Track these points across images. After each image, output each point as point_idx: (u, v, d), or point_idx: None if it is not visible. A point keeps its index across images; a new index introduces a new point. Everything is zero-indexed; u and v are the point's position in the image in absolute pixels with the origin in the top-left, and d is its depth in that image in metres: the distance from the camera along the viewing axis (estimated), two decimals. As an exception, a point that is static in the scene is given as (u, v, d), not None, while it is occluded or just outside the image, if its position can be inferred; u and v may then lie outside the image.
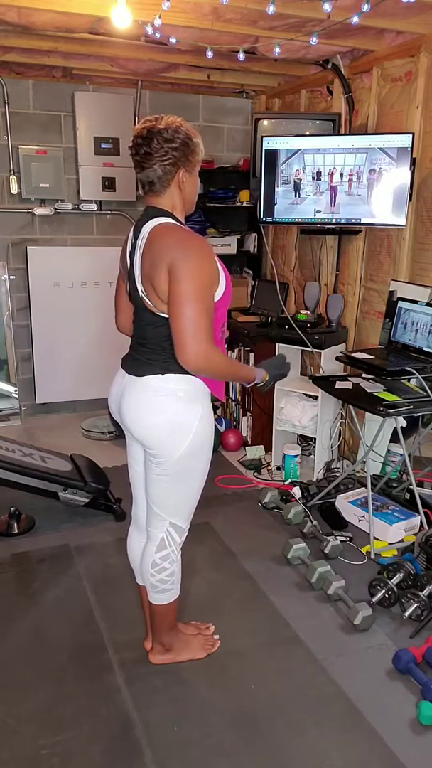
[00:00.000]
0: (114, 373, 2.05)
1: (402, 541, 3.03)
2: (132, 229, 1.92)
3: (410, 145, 3.19)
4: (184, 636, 2.29)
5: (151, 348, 1.90)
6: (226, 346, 2.07)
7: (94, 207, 4.48)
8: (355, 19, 2.57)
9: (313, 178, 3.53)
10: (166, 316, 1.82)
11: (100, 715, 2.03)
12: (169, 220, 1.84)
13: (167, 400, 1.88)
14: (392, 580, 2.56)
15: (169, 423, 1.89)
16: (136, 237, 1.88)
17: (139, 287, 1.86)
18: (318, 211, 3.56)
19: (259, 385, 2.06)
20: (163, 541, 2.05)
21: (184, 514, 2.06)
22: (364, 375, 3.10)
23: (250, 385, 2.06)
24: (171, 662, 2.23)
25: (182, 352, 1.77)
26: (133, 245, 1.89)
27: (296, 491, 3.43)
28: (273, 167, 3.60)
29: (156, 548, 2.06)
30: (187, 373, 1.86)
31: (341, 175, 3.44)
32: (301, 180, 3.55)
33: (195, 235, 1.84)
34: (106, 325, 4.54)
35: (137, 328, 1.96)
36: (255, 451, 4.00)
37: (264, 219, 3.74)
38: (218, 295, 1.84)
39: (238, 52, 3.10)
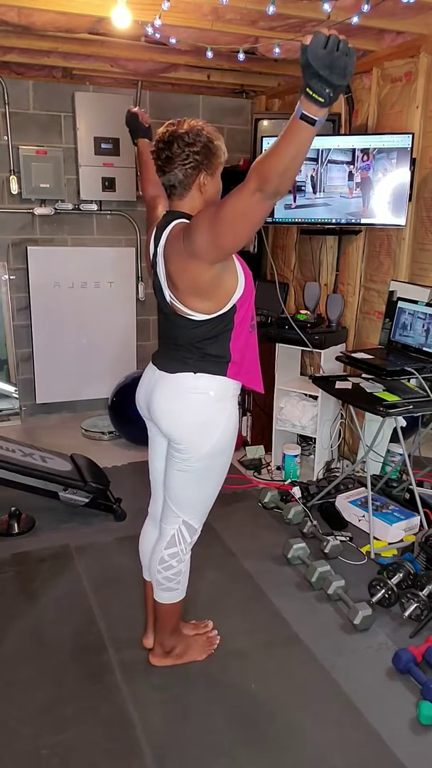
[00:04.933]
0: (115, 373, 2.05)
1: (402, 541, 3.03)
2: (153, 237, 1.91)
3: (410, 145, 3.19)
4: (185, 639, 2.29)
5: (184, 347, 1.91)
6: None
7: (94, 207, 4.48)
8: (355, 20, 2.57)
9: (313, 178, 3.52)
10: (197, 318, 1.83)
11: (100, 715, 2.03)
12: (184, 220, 1.83)
13: (198, 397, 1.91)
14: (392, 580, 2.56)
15: (198, 420, 1.91)
16: (156, 245, 1.89)
17: (167, 293, 1.86)
18: (317, 211, 3.55)
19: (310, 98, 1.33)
20: (173, 538, 2.07)
21: (199, 513, 2.07)
22: (364, 375, 3.10)
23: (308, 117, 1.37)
24: (171, 665, 2.23)
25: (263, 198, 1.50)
26: (155, 254, 1.90)
27: (296, 491, 3.43)
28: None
29: (166, 545, 2.07)
30: (219, 373, 1.89)
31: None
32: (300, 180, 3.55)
33: None
34: (106, 325, 4.61)
35: (168, 330, 1.96)
36: (255, 451, 4.00)
37: (264, 219, 3.73)
38: (239, 290, 1.85)
39: (238, 52, 3.10)
